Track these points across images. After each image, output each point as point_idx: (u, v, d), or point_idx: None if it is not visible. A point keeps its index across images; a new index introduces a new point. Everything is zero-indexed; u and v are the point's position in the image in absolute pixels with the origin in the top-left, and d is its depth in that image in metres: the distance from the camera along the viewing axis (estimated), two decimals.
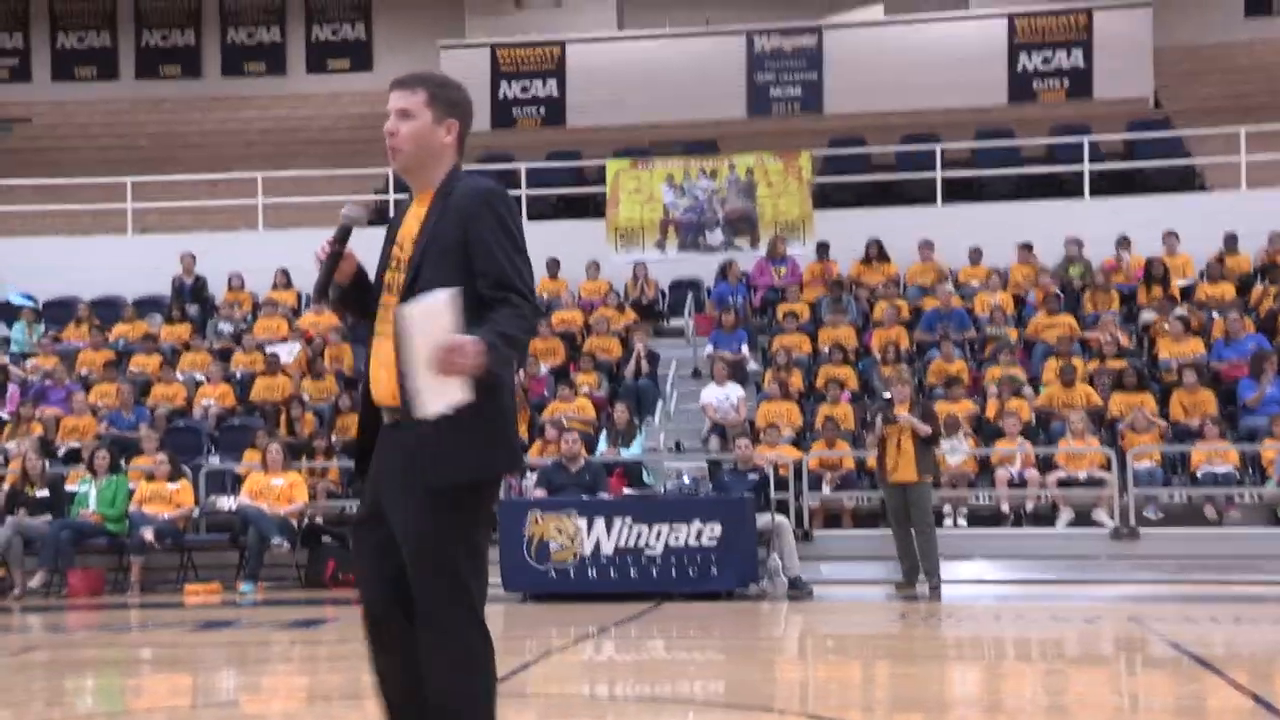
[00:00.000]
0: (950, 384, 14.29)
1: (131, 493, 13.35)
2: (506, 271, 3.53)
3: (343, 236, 3.65)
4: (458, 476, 3.51)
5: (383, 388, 3.60)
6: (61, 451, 14.73)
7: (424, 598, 3.50)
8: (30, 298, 18.16)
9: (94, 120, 24.54)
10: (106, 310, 17.93)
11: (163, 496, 13.27)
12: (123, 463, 13.71)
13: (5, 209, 19.46)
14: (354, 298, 3.73)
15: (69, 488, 13.64)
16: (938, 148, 18.46)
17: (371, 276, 3.74)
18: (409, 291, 3.53)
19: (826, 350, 15.70)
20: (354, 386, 15.90)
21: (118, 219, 19.76)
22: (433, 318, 3.40)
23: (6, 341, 16.83)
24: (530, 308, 3.57)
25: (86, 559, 13.09)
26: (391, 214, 3.82)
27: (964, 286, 16.86)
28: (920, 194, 18.70)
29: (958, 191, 18.60)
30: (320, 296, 3.71)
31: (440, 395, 3.41)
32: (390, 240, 3.69)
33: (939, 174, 18.23)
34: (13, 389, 15.68)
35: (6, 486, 13.58)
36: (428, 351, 3.36)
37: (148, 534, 12.79)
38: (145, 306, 17.96)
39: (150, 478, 13.43)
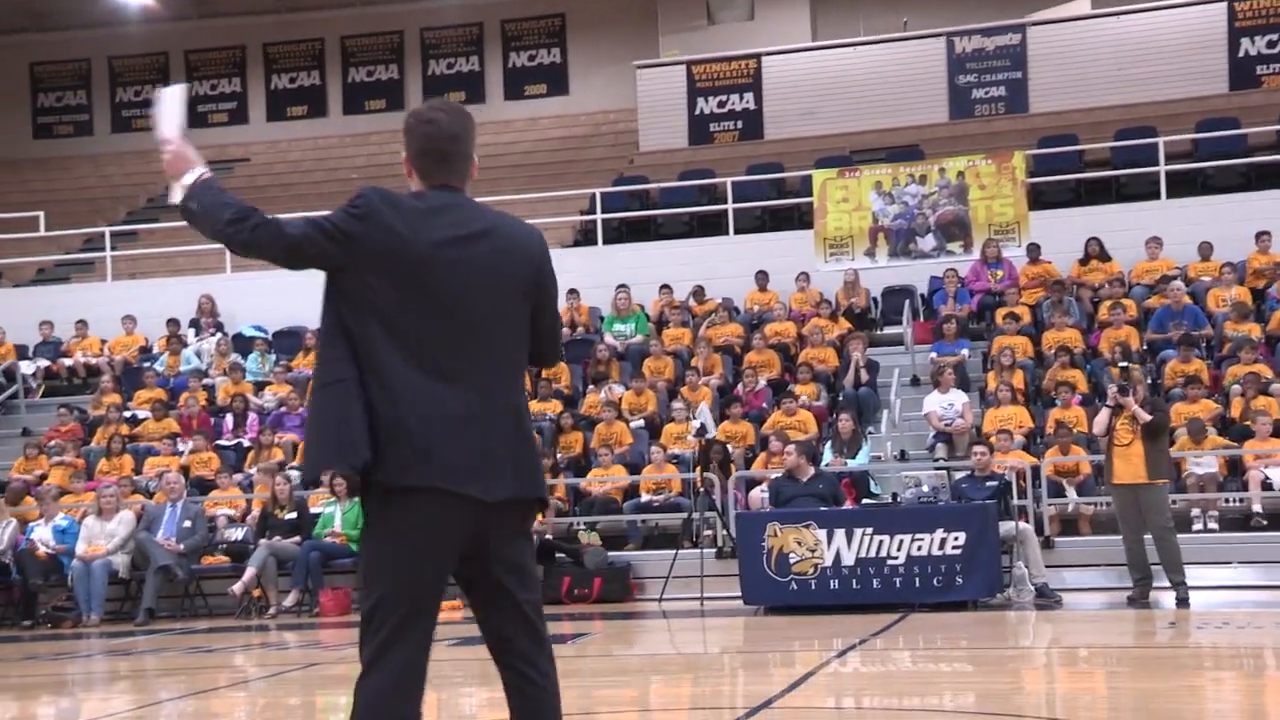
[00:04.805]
0: (1189, 383, 13.74)
1: None
2: None
3: None
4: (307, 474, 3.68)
5: None
6: (296, 475, 15.23)
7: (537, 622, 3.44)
8: (261, 329, 18.89)
9: (306, 156, 25.50)
10: None
11: None
12: None
13: None
14: None
15: (313, 509, 14.12)
16: (1159, 141, 17.80)
17: None
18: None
19: (1051, 353, 15.28)
20: (574, 405, 16.14)
21: None
22: (174, 103, 3.50)
23: (244, 372, 17.53)
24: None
25: (332, 579, 13.53)
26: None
27: (1195, 283, 16.21)
28: (1139, 190, 18.07)
29: (1180, 185, 17.92)
30: None
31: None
32: None
33: (1162, 168, 17.57)
34: (253, 417, 16.34)
35: (257, 510, 14.14)
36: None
37: None
38: None
39: None
